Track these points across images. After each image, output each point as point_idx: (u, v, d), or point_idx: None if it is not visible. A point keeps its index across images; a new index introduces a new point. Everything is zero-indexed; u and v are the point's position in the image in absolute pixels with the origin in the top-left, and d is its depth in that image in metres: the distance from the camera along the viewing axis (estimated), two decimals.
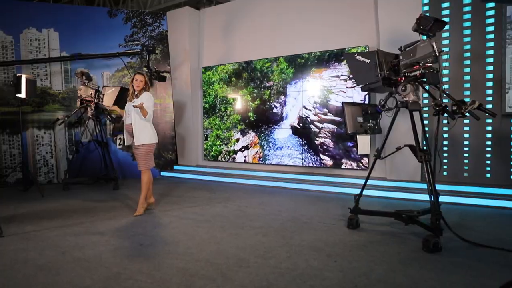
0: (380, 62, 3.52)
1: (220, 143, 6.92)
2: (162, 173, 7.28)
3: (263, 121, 6.38)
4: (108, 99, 5.86)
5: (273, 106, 6.25)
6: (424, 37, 3.39)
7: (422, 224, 3.13)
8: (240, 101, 6.63)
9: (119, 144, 6.06)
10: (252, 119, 6.49)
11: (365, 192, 3.97)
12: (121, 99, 5.92)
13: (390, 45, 4.94)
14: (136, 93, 4.26)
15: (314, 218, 3.98)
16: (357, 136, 3.72)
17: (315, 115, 5.83)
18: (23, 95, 5.53)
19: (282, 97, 6.15)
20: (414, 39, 4.66)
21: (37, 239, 3.36)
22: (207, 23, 7.09)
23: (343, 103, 3.71)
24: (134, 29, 7.01)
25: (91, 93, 5.99)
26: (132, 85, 4.26)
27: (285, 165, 6.18)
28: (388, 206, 4.34)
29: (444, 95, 3.25)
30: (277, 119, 6.23)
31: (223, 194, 5.40)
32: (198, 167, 7.15)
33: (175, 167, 7.39)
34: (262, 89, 6.35)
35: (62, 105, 6.73)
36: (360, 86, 3.68)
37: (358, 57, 3.66)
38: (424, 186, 4.83)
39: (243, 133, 6.63)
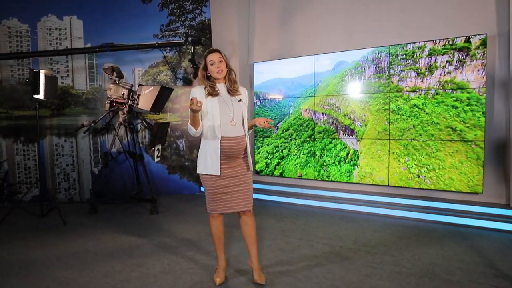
0: None
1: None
2: (202, 189, 6.09)
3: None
4: (146, 101, 4.72)
5: None
6: None
7: None
8: None
9: (157, 157, 4.91)
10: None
11: (478, 223, 3.78)
12: (160, 101, 4.78)
13: None
14: (218, 85, 2.53)
15: (455, 270, 2.75)
16: None
17: None
18: (41, 95, 4.42)
19: None
20: None
21: None
22: (259, 9, 5.89)
23: None
24: (172, 17, 5.85)
25: (123, 94, 4.86)
26: (206, 74, 2.52)
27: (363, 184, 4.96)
28: None
29: None
30: None
31: (294, 221, 4.19)
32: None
33: None
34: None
35: (86, 107, 5.61)
36: None
37: None
38: None
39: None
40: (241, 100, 2.56)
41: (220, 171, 2.50)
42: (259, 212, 4.74)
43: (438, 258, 3.10)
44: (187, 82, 5.92)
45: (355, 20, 4.96)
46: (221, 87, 2.54)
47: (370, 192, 4.83)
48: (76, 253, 3.37)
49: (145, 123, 5.08)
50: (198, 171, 2.59)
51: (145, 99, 4.72)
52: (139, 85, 4.92)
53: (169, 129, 5.17)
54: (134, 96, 4.83)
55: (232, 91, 2.53)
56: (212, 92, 2.49)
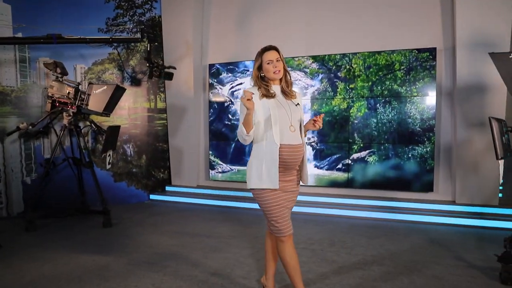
0: None
1: None
2: (152, 196, 5.70)
3: None
4: (98, 102, 4.23)
5: None
6: None
7: None
8: None
9: (109, 163, 4.43)
10: None
11: (430, 219, 4.19)
12: (113, 102, 4.35)
13: (470, 46, 4.18)
14: (273, 86, 2.27)
15: (433, 265, 2.94)
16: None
17: None
18: None
19: None
20: (498, 41, 3.94)
21: None
22: (215, 9, 5.69)
23: (490, 118, 2.80)
24: (119, 11, 5.35)
25: (69, 93, 4.29)
26: (260, 75, 2.25)
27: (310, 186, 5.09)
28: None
29: None
30: None
31: (262, 227, 4.09)
32: (199, 189, 5.71)
33: (167, 188, 5.85)
34: None
35: (16, 107, 4.83)
36: None
37: None
38: (501, 211, 4.17)
39: None
40: (298, 104, 2.28)
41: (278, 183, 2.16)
42: (223, 219, 4.57)
43: (414, 255, 3.30)
44: (136, 82, 5.48)
45: (316, 27, 5.08)
46: (276, 89, 2.26)
47: (330, 195, 4.98)
48: (31, 282, 2.83)
49: (94, 126, 4.55)
50: (251, 186, 2.21)
51: (97, 100, 4.22)
52: (89, 83, 4.39)
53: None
54: (83, 96, 4.29)
55: (288, 93, 2.26)
56: (267, 94, 2.20)
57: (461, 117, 4.29)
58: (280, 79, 2.27)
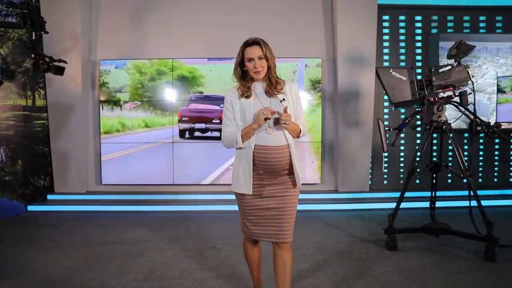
0: (418, 80, 3.47)
1: None
2: (30, 208, 4.94)
3: None
4: None
5: None
6: (449, 60, 3.55)
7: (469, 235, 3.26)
8: None
9: None
10: None
11: (320, 207, 4.94)
12: None
13: (347, 59, 5.01)
14: (256, 83, 2.12)
15: (341, 246, 3.48)
16: None
17: None
18: None
19: None
20: (368, 55, 4.94)
21: None
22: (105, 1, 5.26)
23: (377, 119, 3.47)
24: None
25: None
26: (242, 70, 2.10)
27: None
28: (350, 219, 4.25)
29: (472, 116, 3.48)
30: None
31: (175, 228, 4.06)
32: (89, 195, 5.22)
33: (49, 196, 5.15)
34: None
35: None
36: (394, 103, 3.51)
37: (393, 73, 3.49)
38: (374, 195, 5.13)
39: None
40: (283, 100, 2.05)
41: (254, 188, 2.05)
42: (126, 224, 4.33)
43: (318, 238, 3.80)
44: (8, 75, 4.68)
45: (212, 31, 5.22)
46: (258, 85, 2.11)
47: (227, 192, 5.22)
48: None
49: None
50: (231, 188, 2.15)
51: None
52: None
53: None
54: None
55: (270, 92, 2.08)
56: (245, 93, 2.07)
57: (341, 118, 5.09)
58: (264, 78, 2.09)
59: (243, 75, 2.11)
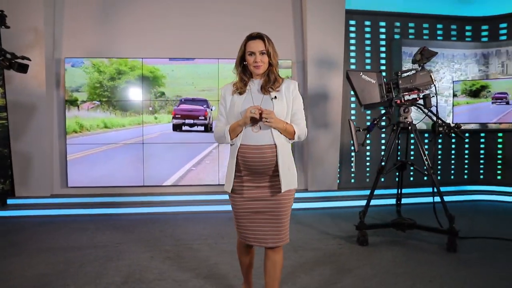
0: (386, 83, 3.66)
1: None
2: None
3: None
4: None
5: None
6: (414, 65, 3.79)
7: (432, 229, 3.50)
8: None
9: None
10: None
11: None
12: None
13: (317, 62, 5.17)
14: (254, 80, 2.08)
15: (315, 242, 3.59)
16: None
17: None
18: None
19: None
20: (336, 58, 5.17)
21: None
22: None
23: (349, 120, 3.63)
24: None
25: None
26: (243, 64, 2.06)
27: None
28: (319, 217, 4.41)
29: (434, 117, 3.72)
30: None
31: (150, 230, 3.99)
32: (54, 198, 5.00)
33: (9, 201, 4.88)
34: None
35: None
36: (364, 104, 3.68)
37: (363, 76, 3.66)
38: (342, 193, 5.34)
39: None
40: (275, 97, 1.99)
41: (243, 190, 2.04)
42: (97, 228, 4.21)
43: (292, 236, 3.88)
44: None
45: (181, 31, 5.17)
46: (256, 82, 2.07)
47: (200, 192, 5.21)
48: None
49: None
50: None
51: None
52: None
53: None
54: None
55: (265, 88, 2.02)
56: (241, 89, 2.04)
57: (311, 119, 5.23)
58: (263, 73, 2.04)
59: (243, 70, 2.07)
